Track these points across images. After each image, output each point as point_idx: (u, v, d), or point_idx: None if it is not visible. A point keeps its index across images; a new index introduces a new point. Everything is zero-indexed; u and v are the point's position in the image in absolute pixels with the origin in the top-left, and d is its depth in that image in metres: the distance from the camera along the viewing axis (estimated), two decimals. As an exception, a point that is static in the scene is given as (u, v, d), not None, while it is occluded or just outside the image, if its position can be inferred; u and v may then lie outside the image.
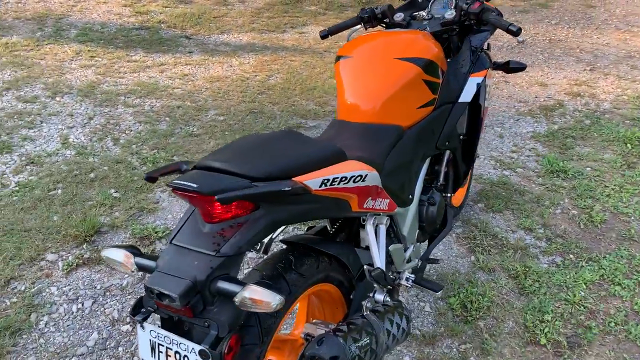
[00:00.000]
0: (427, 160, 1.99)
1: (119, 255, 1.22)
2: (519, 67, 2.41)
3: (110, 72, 4.42)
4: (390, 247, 1.78)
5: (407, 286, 1.94)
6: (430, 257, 2.08)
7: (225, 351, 1.12)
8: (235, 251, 1.15)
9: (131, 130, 3.59)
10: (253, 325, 1.34)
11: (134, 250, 1.22)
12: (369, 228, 1.66)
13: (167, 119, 3.77)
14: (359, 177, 1.42)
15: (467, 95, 2.05)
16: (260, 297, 1.08)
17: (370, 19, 2.24)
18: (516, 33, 1.96)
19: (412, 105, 1.83)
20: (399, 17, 2.19)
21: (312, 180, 1.29)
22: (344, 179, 1.37)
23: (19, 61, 4.42)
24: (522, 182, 3.26)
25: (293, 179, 1.26)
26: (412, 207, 1.91)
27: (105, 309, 2.20)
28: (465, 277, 2.50)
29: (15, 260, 2.39)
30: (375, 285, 1.65)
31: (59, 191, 2.89)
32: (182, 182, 1.13)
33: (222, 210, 1.18)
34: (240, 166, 1.22)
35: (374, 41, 1.93)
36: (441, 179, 2.19)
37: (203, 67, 4.72)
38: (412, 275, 1.94)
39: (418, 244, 1.99)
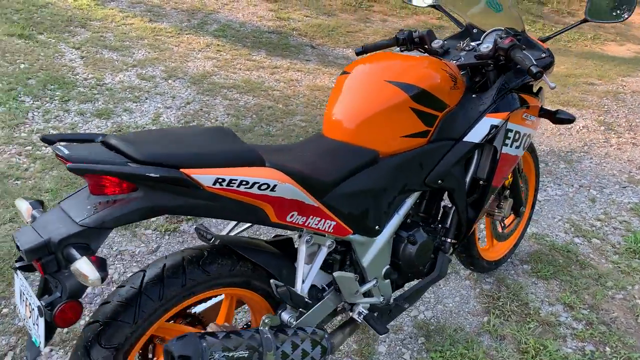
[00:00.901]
0: (414, 195, 1.85)
1: (22, 206, 1.33)
2: (567, 119, 2.13)
3: (227, 66, 4.77)
4: (335, 274, 1.69)
5: (357, 321, 1.82)
6: (404, 300, 1.93)
7: (56, 314, 1.17)
8: (97, 224, 1.20)
9: (217, 120, 3.83)
10: (132, 305, 1.38)
11: (35, 203, 1.33)
12: (301, 245, 1.60)
13: (253, 116, 3.96)
14: (265, 185, 1.38)
15: (475, 136, 1.87)
16: (84, 271, 1.12)
17: (405, 41, 2.15)
18: (535, 75, 1.75)
19: (395, 132, 1.72)
20: (436, 43, 2.08)
21: (204, 176, 1.29)
22: (244, 182, 1.34)
23: (156, 44, 4.96)
24: (592, 255, 2.85)
25: (182, 169, 1.27)
26: (381, 240, 1.79)
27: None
28: (466, 335, 2.26)
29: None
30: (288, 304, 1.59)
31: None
32: (59, 147, 1.21)
33: (103, 185, 1.24)
34: (131, 147, 1.26)
35: (377, 61, 1.85)
36: (436, 220, 2.03)
37: (312, 75, 4.87)
38: (365, 311, 1.82)
39: (386, 281, 1.86)
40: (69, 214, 1.23)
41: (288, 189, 1.42)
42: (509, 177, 2.35)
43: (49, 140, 1.30)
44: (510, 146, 1.98)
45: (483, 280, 2.61)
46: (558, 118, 2.13)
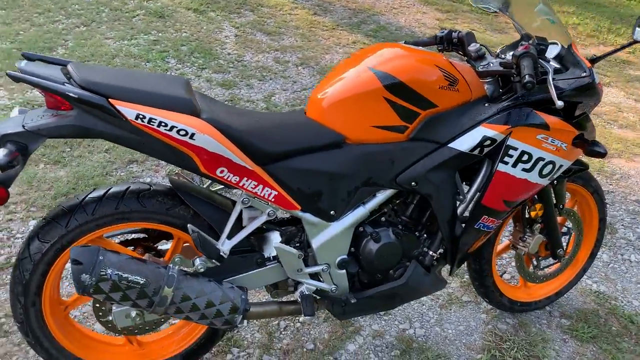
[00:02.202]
0: (385, 192, 1.79)
1: (15, 111, 1.65)
2: (598, 152, 1.84)
3: (362, 63, 4.90)
4: (276, 245, 1.73)
5: (297, 300, 1.83)
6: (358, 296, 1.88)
7: None
8: (34, 130, 1.44)
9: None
10: (69, 212, 1.61)
11: (22, 110, 1.63)
12: (238, 204, 1.67)
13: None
14: (183, 131, 1.48)
15: (462, 143, 1.73)
16: None
17: (443, 40, 2.06)
18: (525, 85, 1.57)
19: (365, 120, 1.70)
20: (473, 47, 1.96)
21: (127, 109, 1.45)
22: (163, 124, 1.47)
23: (307, 35, 5.30)
24: (661, 333, 2.38)
25: (110, 100, 1.45)
26: (337, 227, 1.77)
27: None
28: (446, 364, 2.10)
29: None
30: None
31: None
32: (21, 63, 1.48)
33: (50, 100, 1.48)
34: (78, 73, 1.47)
35: (378, 49, 1.82)
36: (423, 228, 1.92)
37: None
38: (307, 292, 1.82)
39: (340, 271, 1.83)
40: (24, 118, 1.49)
41: (207, 140, 1.51)
42: (537, 208, 2.09)
43: (28, 57, 1.58)
44: (514, 166, 1.78)
45: (503, 318, 2.36)
46: (590, 150, 1.85)
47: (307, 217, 1.74)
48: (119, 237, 1.82)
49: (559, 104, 1.61)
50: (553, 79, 1.73)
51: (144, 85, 1.52)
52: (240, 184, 1.62)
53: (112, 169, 2.99)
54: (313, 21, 5.69)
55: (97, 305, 1.70)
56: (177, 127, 1.48)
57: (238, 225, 1.71)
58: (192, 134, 1.49)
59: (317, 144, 1.69)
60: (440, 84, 1.71)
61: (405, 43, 2.13)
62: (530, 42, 1.82)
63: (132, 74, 1.60)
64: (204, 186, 1.77)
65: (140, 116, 1.46)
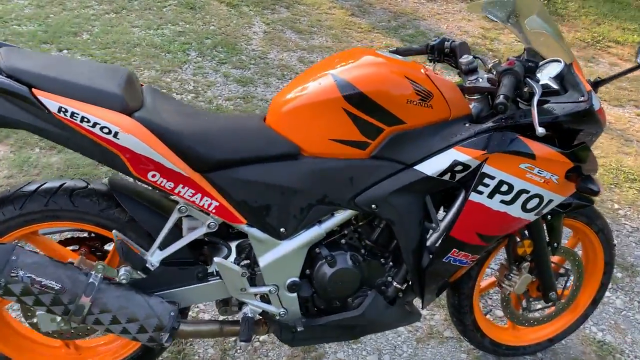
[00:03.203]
0: (344, 213, 1.62)
1: None
2: (590, 190, 1.60)
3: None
4: (216, 259, 1.59)
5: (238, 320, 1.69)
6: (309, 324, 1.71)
7: None
8: None
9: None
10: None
11: None
12: (174, 212, 1.54)
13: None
14: (106, 129, 1.36)
15: (429, 166, 1.54)
16: None
17: (434, 49, 1.86)
18: (496, 107, 1.37)
19: (322, 132, 1.53)
20: (465, 58, 1.76)
21: (50, 101, 1.35)
22: (86, 119, 1.35)
23: (339, 36, 5.13)
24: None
25: (34, 89, 1.35)
26: (288, 246, 1.62)
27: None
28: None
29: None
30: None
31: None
32: None
33: None
34: (5, 59, 1.38)
35: (349, 54, 1.65)
36: (389, 255, 1.73)
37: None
38: (251, 315, 1.67)
39: (291, 294, 1.67)
40: None
41: (132, 141, 1.38)
42: (526, 245, 1.86)
43: None
44: (490, 197, 1.57)
45: (486, 361, 2.13)
46: (581, 186, 1.61)
47: (254, 232, 1.59)
48: (60, 234, 1.73)
49: (540, 131, 1.39)
50: (543, 102, 1.51)
51: (75, 75, 1.41)
52: (176, 191, 1.49)
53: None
54: (349, 22, 5.52)
55: (23, 305, 1.61)
56: (100, 124, 1.36)
57: (176, 235, 1.58)
58: (116, 133, 1.37)
59: (268, 154, 1.54)
60: (410, 99, 1.52)
61: (394, 50, 1.95)
62: (520, 57, 1.60)
63: (67, 62, 1.50)
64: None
65: (63, 109, 1.35)
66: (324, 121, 1.53)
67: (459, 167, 1.53)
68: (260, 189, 1.54)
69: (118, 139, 1.38)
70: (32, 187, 1.55)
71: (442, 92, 1.57)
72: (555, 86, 1.66)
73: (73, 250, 1.68)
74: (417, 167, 1.54)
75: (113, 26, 4.46)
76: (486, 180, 1.55)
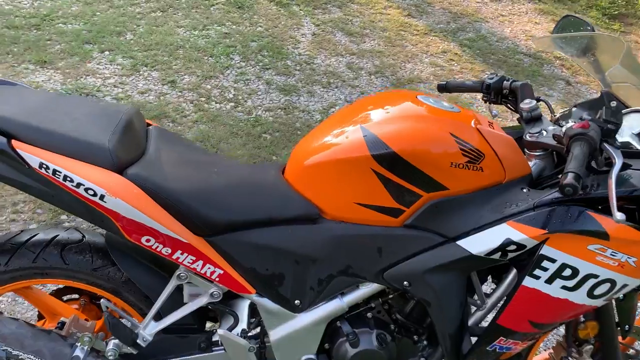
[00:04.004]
0: (369, 286, 1.38)
1: None
2: None
3: (446, 78, 4.35)
4: (220, 331, 1.39)
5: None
6: None
7: None
8: None
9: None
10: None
11: None
12: (173, 278, 1.34)
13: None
14: (91, 191, 1.17)
15: (475, 243, 1.27)
16: None
17: (490, 88, 1.58)
18: (563, 189, 1.09)
19: (348, 194, 1.30)
20: (527, 104, 1.48)
21: (31, 156, 1.17)
22: (69, 178, 1.17)
23: (392, 39, 4.82)
24: None
25: (14, 140, 1.18)
26: (304, 320, 1.40)
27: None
28: None
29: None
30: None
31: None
32: None
33: None
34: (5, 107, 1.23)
35: (384, 98, 1.40)
36: (424, 334, 1.48)
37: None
38: None
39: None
40: None
41: (121, 205, 1.19)
42: (589, 326, 1.56)
43: None
44: (549, 282, 1.29)
45: None
46: None
47: (264, 303, 1.38)
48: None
49: (618, 217, 1.11)
50: (623, 167, 1.21)
51: (62, 123, 1.23)
52: (174, 257, 1.29)
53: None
54: (404, 23, 5.19)
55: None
56: (84, 185, 1.18)
57: (175, 301, 1.39)
58: (102, 196, 1.18)
59: (283, 216, 1.32)
60: (455, 161, 1.26)
61: (443, 85, 1.68)
62: (598, 116, 1.29)
63: (59, 104, 1.32)
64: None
65: (44, 165, 1.17)
66: (350, 182, 1.29)
67: (512, 247, 1.26)
68: (272, 256, 1.33)
69: (104, 201, 1.19)
70: (22, 239, 1.39)
71: (496, 152, 1.30)
72: (639, 146, 1.35)
73: (72, 300, 1.53)
74: (460, 243, 1.28)
75: (158, 26, 4.33)
76: (545, 264, 1.27)
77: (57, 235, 1.39)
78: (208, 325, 1.58)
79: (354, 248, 1.32)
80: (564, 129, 1.30)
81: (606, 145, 1.21)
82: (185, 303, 1.39)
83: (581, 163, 1.11)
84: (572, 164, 1.11)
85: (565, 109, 1.50)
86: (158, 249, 1.27)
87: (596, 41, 1.48)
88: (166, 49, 4.02)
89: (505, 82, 1.57)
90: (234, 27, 4.51)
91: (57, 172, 1.17)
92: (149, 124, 1.47)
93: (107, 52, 3.88)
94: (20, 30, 3.95)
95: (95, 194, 1.18)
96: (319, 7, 5.17)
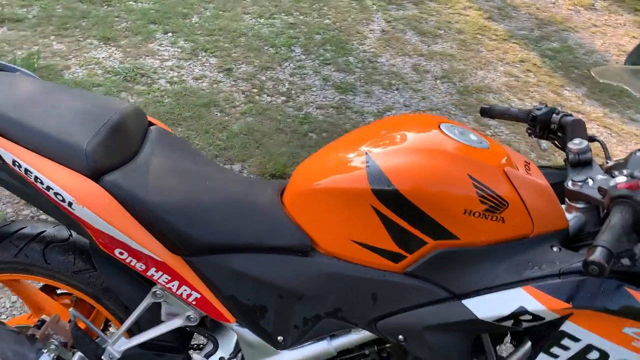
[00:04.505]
0: (361, 333, 1.23)
1: None
2: None
3: (520, 90, 4.03)
4: (195, 355, 1.29)
5: None
6: None
7: None
8: None
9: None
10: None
11: None
12: (148, 296, 1.25)
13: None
14: (59, 196, 1.09)
15: (483, 306, 1.08)
16: None
17: (536, 120, 1.37)
18: (587, 267, 0.88)
19: (344, 229, 1.15)
20: (576, 144, 1.26)
21: (5, 151, 1.11)
22: (39, 179, 1.09)
23: (467, 42, 4.53)
24: None
25: None
26: (285, 358, 1.27)
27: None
28: None
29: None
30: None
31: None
32: None
33: None
34: None
35: (399, 122, 1.23)
36: None
37: (618, 139, 3.70)
38: None
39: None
40: None
41: (88, 215, 1.10)
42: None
43: None
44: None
45: None
46: None
47: (245, 334, 1.26)
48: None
49: None
50: None
51: (46, 119, 1.15)
52: (148, 274, 1.19)
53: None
54: (483, 26, 4.87)
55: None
56: (53, 189, 1.09)
57: (152, 317, 1.30)
58: (70, 203, 1.09)
59: (270, 243, 1.19)
60: (470, 208, 1.07)
61: (486, 110, 1.48)
62: None
63: (53, 96, 1.24)
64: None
65: (17, 163, 1.10)
66: (347, 216, 1.13)
67: (527, 317, 1.06)
68: (254, 286, 1.20)
69: (72, 208, 1.10)
70: (10, 230, 1.34)
71: (524, 200, 1.10)
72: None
73: (65, 294, 1.48)
74: (466, 302, 1.09)
75: (225, 10, 4.29)
76: (566, 342, 1.06)
77: (43, 232, 1.33)
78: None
79: (345, 289, 1.17)
80: (611, 182, 1.08)
81: (656, 209, 0.98)
82: (163, 321, 1.29)
83: (617, 235, 0.90)
84: (606, 235, 0.90)
85: (621, 159, 1.26)
86: (132, 264, 1.18)
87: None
88: (228, 36, 3.96)
89: (554, 115, 1.34)
90: (301, 17, 4.40)
91: (28, 172, 1.10)
92: (151, 124, 1.38)
93: (170, 34, 3.88)
94: (92, 6, 4.03)
95: (63, 200, 1.09)
96: (394, 3, 4.95)
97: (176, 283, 1.18)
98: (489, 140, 1.21)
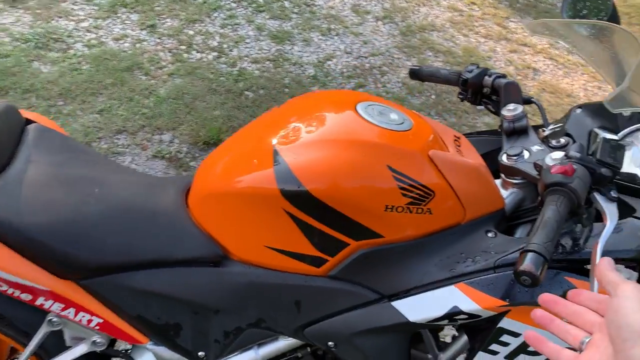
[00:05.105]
0: (289, 341, 1.12)
1: None
2: None
3: (463, 25, 3.87)
4: None
5: None
6: None
7: None
8: None
9: (384, 87, 3.18)
10: None
11: None
12: (44, 325, 1.10)
13: (432, 97, 3.16)
14: None
15: (412, 307, 0.98)
16: None
17: (467, 84, 1.24)
18: (518, 276, 0.78)
19: (257, 236, 1.01)
20: (510, 110, 1.14)
21: None
22: None
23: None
24: None
25: None
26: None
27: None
28: None
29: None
30: None
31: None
32: None
33: None
34: None
35: (316, 103, 1.08)
36: None
37: (565, 70, 3.62)
38: None
39: None
40: None
41: None
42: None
43: None
44: (510, 358, 1.00)
45: None
46: None
47: (162, 353, 1.13)
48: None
49: (595, 289, 0.80)
50: (620, 228, 0.89)
51: None
52: (37, 304, 1.04)
53: (95, 137, 2.53)
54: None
55: None
56: None
57: (60, 343, 1.15)
58: None
59: (175, 256, 1.04)
60: (391, 203, 0.94)
61: (415, 71, 1.34)
62: (590, 151, 0.94)
63: None
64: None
65: None
66: (259, 221, 0.99)
67: (463, 316, 0.96)
68: (162, 304, 1.06)
69: None
70: None
71: (452, 186, 0.98)
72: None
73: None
74: (396, 304, 0.99)
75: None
76: (505, 338, 0.98)
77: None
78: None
79: (266, 299, 1.05)
80: (547, 159, 0.96)
81: (597, 195, 0.88)
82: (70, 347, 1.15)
83: (552, 235, 0.79)
84: (538, 236, 0.78)
85: (560, 121, 1.15)
86: (15, 295, 1.02)
87: (614, 33, 1.10)
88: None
89: (486, 77, 1.21)
90: (230, -40, 4.06)
91: None
92: (29, 122, 1.19)
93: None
94: (-8, -38, 3.60)
95: None
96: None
97: (72, 310, 1.04)
98: (414, 117, 1.07)
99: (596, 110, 1.23)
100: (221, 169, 1.05)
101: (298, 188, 0.93)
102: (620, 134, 1.14)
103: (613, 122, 1.19)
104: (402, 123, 1.02)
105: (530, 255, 0.76)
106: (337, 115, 1.02)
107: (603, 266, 0.59)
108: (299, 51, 3.35)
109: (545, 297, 0.62)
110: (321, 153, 0.95)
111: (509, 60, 3.65)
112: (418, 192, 0.95)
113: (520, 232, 1.09)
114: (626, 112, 1.00)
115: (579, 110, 1.25)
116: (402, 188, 0.94)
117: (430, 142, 1.00)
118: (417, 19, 3.85)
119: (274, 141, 0.99)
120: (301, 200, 0.93)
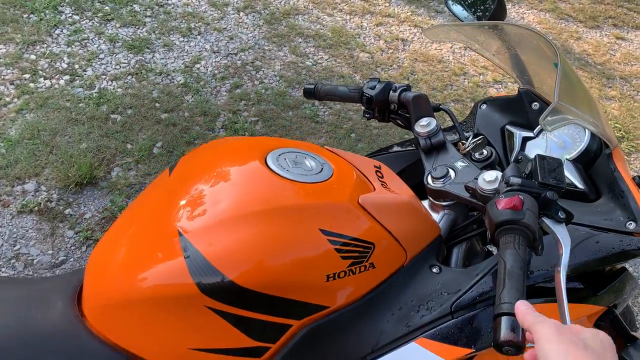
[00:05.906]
0: None
1: None
2: None
3: (326, 3, 3.79)
4: None
5: None
6: None
7: None
8: None
9: (263, 82, 3.01)
10: None
11: None
12: None
13: (313, 85, 3.06)
14: None
15: None
16: None
17: (372, 102, 1.13)
18: (498, 347, 0.69)
19: (177, 340, 0.84)
20: (423, 125, 1.05)
21: None
22: None
23: None
24: None
25: None
26: None
27: None
28: None
29: None
30: None
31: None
32: None
33: None
34: None
35: (215, 160, 0.92)
36: None
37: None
38: None
39: None
40: None
41: None
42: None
43: None
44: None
45: None
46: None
47: None
48: None
49: (567, 321, 0.74)
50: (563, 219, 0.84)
51: None
52: None
53: None
54: None
55: None
56: None
57: None
58: None
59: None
60: (332, 271, 0.82)
61: (314, 88, 1.22)
62: (528, 170, 0.88)
63: None
64: None
65: None
66: (177, 323, 0.82)
67: None
68: None
69: None
70: None
71: (390, 231, 0.87)
72: (580, 185, 0.97)
73: None
74: None
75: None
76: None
77: None
78: None
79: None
80: (479, 181, 0.89)
81: (546, 220, 0.82)
82: None
83: (520, 285, 0.71)
84: (507, 291, 0.70)
85: (468, 119, 1.08)
86: None
87: (508, 33, 1.05)
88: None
89: (391, 92, 1.11)
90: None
91: None
92: None
93: None
94: None
95: None
96: None
97: None
98: (331, 159, 0.94)
99: (501, 104, 1.19)
100: (118, 265, 0.85)
101: (222, 280, 0.77)
102: (536, 130, 1.11)
103: (522, 116, 1.15)
104: (321, 170, 0.89)
105: (505, 320, 0.67)
106: (247, 176, 0.86)
107: (520, 312, 0.65)
108: (162, 58, 3.06)
109: (520, 306, 0.66)
110: (240, 232, 0.79)
111: (377, 34, 3.64)
112: (358, 249, 0.83)
113: (456, 253, 1.03)
114: (562, 126, 0.95)
115: (484, 107, 1.21)
116: (339, 250, 0.81)
117: (356, 186, 0.88)
118: (279, 5, 3.70)
119: (178, 223, 0.82)
120: (225, 292, 0.78)
